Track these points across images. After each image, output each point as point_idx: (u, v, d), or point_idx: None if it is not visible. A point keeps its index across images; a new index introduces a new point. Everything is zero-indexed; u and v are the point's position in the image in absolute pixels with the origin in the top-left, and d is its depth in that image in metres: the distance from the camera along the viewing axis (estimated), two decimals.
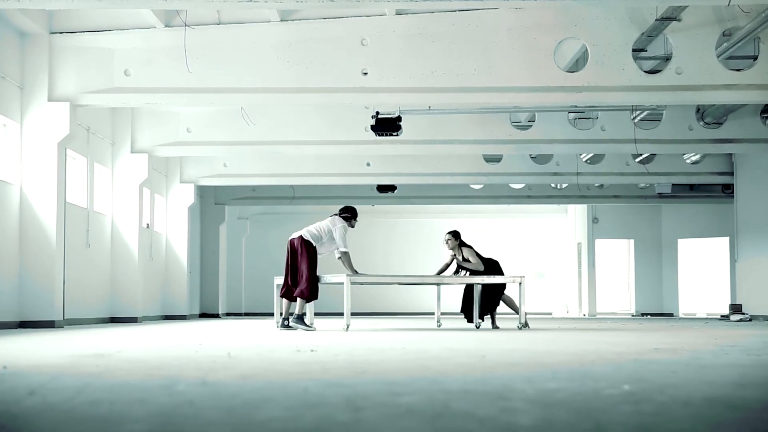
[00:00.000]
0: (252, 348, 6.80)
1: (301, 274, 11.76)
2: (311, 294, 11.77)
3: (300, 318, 11.70)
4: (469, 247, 13.28)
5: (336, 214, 12.25)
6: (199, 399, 3.22)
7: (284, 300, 11.99)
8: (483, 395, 3.37)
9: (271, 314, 13.14)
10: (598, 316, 26.63)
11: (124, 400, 3.21)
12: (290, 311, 11.91)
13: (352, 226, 12.27)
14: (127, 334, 10.17)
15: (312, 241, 11.85)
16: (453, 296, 26.32)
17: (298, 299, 11.75)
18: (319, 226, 12.06)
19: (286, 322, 11.83)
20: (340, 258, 11.97)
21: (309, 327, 11.71)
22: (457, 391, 3.49)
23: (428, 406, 3.05)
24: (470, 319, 13.19)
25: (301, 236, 11.91)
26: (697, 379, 4.08)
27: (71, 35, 13.28)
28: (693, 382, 3.93)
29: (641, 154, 20.97)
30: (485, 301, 13.08)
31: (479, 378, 4.13)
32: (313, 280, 11.77)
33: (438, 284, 13.35)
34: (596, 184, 25.34)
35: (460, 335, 9.82)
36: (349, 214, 12.24)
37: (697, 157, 21.72)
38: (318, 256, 11.92)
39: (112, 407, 2.99)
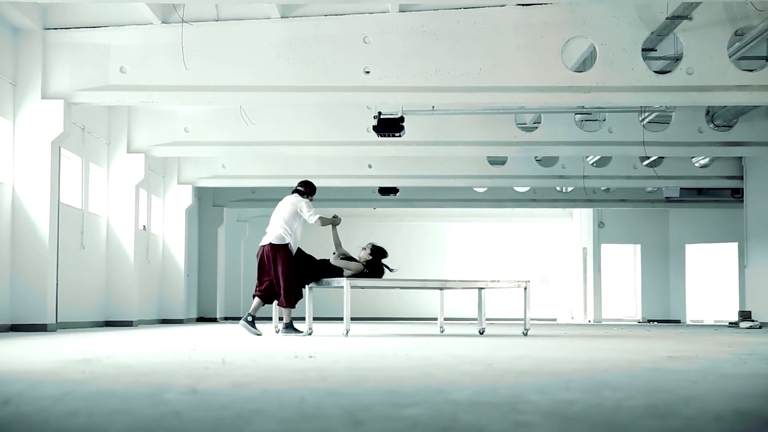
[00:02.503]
0: (248, 353, 6.64)
1: (278, 281, 11.49)
2: (294, 299, 11.49)
3: (289, 326, 11.45)
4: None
5: (294, 193, 11.94)
6: (186, 410, 3.03)
7: (256, 299, 11.65)
8: (493, 407, 3.16)
9: (270, 319, 12.97)
10: (603, 323, 26.51)
11: (105, 410, 3.03)
12: (254, 312, 11.52)
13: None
14: (120, 339, 10.08)
15: (282, 243, 11.57)
16: (456, 301, 26.20)
17: (284, 308, 11.49)
18: (279, 221, 11.66)
19: (250, 319, 11.39)
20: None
21: (300, 332, 11.42)
22: (465, 402, 3.29)
23: (435, 419, 2.84)
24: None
25: (270, 243, 11.60)
26: (721, 391, 3.89)
27: (66, 31, 13.09)
28: (717, 394, 3.73)
29: (649, 157, 20.81)
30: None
31: (488, 387, 3.93)
32: (292, 285, 11.44)
33: (441, 289, 13.14)
34: (602, 188, 25.24)
35: (464, 341, 9.71)
36: (303, 188, 11.94)
37: (706, 160, 21.59)
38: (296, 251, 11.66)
39: (90, 419, 2.81)
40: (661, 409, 3.10)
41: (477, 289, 12.78)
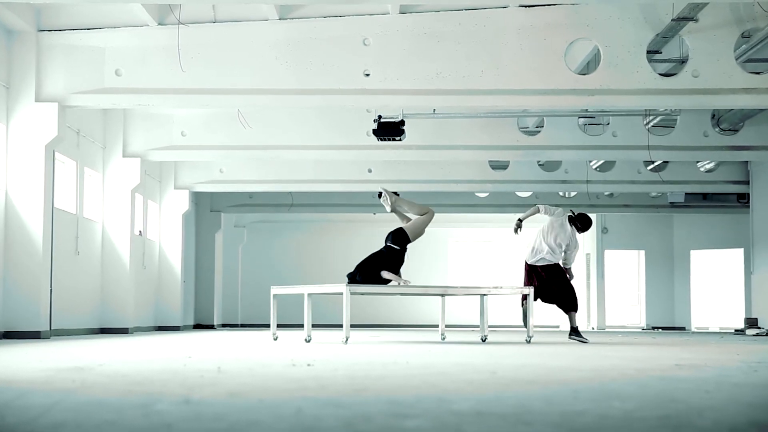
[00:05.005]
0: (244, 361, 6.53)
1: (559, 290, 12.68)
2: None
3: (576, 331, 12.55)
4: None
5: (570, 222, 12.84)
6: (178, 421, 2.93)
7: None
8: (499, 418, 3.05)
9: (268, 326, 12.81)
10: (607, 330, 26.41)
11: (93, 422, 2.92)
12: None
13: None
14: (114, 346, 9.99)
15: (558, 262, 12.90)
16: (458, 308, 26.00)
17: (572, 313, 12.63)
18: (558, 240, 12.91)
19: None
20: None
21: (584, 340, 12.41)
22: (469, 413, 3.18)
23: (438, 430, 2.75)
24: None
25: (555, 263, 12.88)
26: (735, 401, 3.77)
27: (60, 33, 12.99)
28: (731, 404, 3.61)
29: (653, 162, 20.69)
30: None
31: (492, 397, 3.82)
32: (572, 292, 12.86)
33: (442, 295, 12.95)
34: (606, 193, 25.16)
35: (466, 349, 9.60)
36: (582, 225, 12.78)
37: (712, 165, 21.49)
38: None
39: (77, 431, 2.72)
40: (675, 420, 2.99)
41: (479, 296, 12.61)
